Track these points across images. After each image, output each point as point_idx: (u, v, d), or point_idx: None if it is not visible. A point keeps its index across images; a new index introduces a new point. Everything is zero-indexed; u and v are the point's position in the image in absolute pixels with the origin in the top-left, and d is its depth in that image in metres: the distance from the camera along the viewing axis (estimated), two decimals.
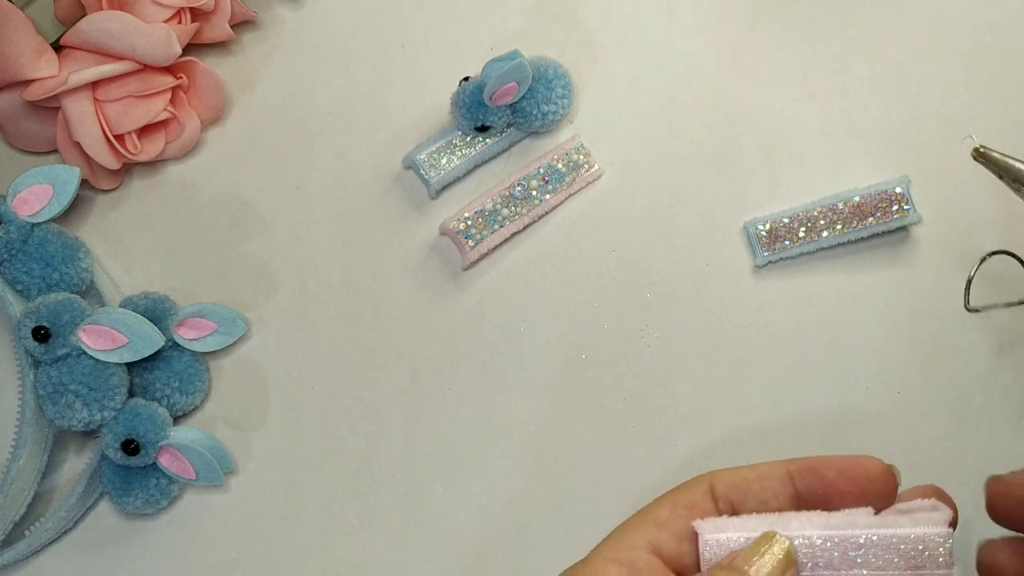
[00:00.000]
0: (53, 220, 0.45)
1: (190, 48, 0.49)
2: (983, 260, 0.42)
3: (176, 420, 0.46)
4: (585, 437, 0.46)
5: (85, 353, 0.43)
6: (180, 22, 0.47)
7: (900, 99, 0.49)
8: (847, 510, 0.30)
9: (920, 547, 0.30)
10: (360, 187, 0.49)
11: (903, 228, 0.47)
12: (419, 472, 0.46)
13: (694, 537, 0.30)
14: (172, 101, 0.48)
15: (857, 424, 0.45)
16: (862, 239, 0.47)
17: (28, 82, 0.46)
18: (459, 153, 0.48)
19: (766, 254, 0.47)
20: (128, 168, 0.50)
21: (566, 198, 0.48)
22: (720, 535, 0.30)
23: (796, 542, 0.30)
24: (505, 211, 0.47)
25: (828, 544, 0.30)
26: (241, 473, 0.46)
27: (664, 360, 0.46)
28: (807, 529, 0.30)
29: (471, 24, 0.51)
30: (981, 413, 0.45)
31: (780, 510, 0.31)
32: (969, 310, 0.41)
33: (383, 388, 0.47)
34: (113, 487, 0.44)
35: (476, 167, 0.49)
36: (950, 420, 0.45)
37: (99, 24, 0.45)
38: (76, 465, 0.46)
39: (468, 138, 0.48)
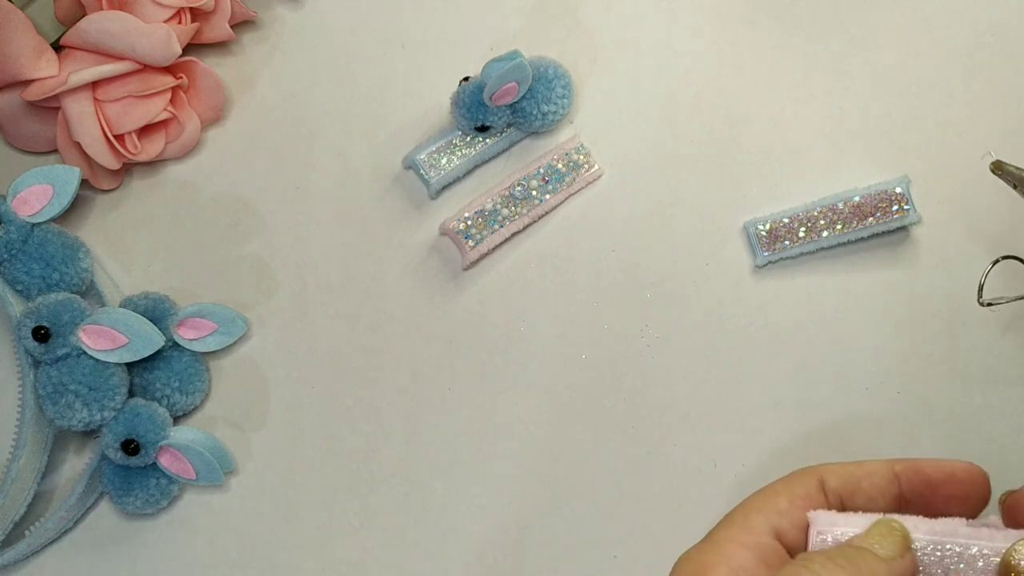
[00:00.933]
0: (53, 220, 0.45)
1: (190, 48, 0.49)
2: (995, 262, 0.43)
3: (176, 420, 0.46)
4: (585, 437, 0.46)
5: (85, 353, 0.43)
6: (180, 22, 0.47)
7: (900, 99, 0.49)
8: (945, 519, 0.31)
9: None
10: (360, 187, 0.49)
11: (903, 228, 0.47)
12: (419, 472, 0.46)
13: (807, 527, 0.31)
14: (172, 101, 0.48)
15: (857, 424, 0.45)
16: (862, 239, 0.47)
17: (28, 82, 0.46)
18: (459, 153, 0.48)
19: (766, 254, 0.47)
20: (128, 168, 0.50)
21: (566, 198, 0.48)
22: (835, 529, 0.30)
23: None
24: (505, 211, 0.47)
25: (930, 548, 0.30)
26: (241, 473, 0.46)
27: (664, 360, 0.46)
28: (912, 532, 0.30)
29: (471, 24, 0.51)
30: (981, 413, 0.45)
31: (886, 508, 0.31)
32: (982, 304, 0.43)
33: (383, 388, 0.47)
34: (113, 487, 0.44)
35: (476, 167, 0.49)
36: (950, 420, 0.45)
37: (99, 24, 0.45)
38: (76, 465, 0.46)
39: (468, 138, 0.48)
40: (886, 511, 0.31)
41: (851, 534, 0.30)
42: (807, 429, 0.45)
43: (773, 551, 0.30)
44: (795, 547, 0.31)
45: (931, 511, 0.31)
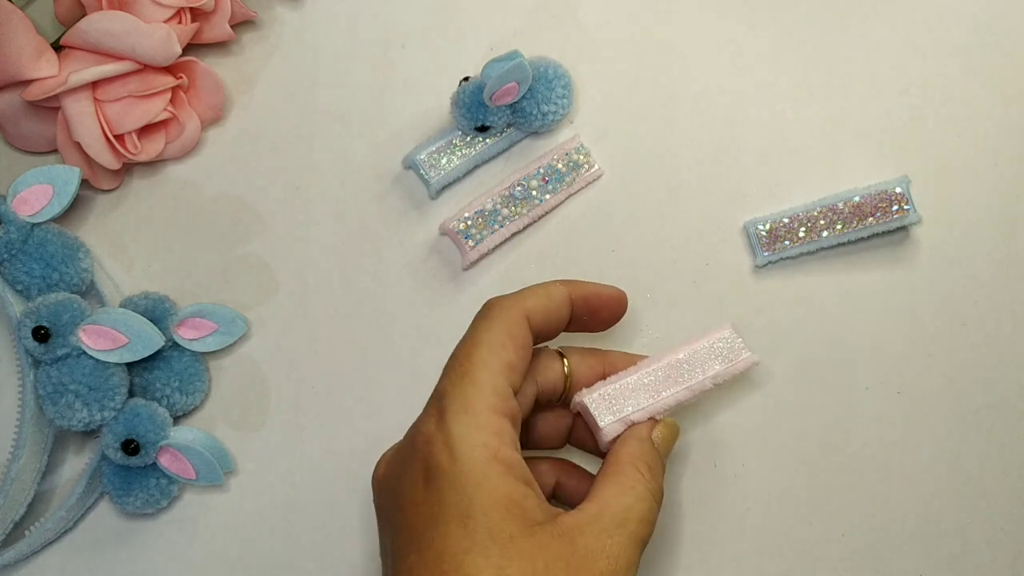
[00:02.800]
0: (53, 220, 0.45)
1: (190, 48, 0.49)
2: None
3: (176, 420, 0.46)
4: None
5: (85, 353, 0.43)
6: (180, 22, 0.47)
7: (900, 99, 0.49)
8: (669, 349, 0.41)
9: (723, 345, 0.41)
10: (360, 187, 0.49)
11: (903, 228, 0.47)
12: None
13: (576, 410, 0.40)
14: (172, 101, 0.48)
15: (857, 424, 0.45)
16: (862, 239, 0.47)
17: (28, 82, 0.46)
18: (459, 153, 0.48)
19: (766, 254, 0.47)
20: (128, 168, 0.50)
21: (566, 198, 0.48)
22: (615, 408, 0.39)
23: (652, 374, 0.40)
24: (505, 211, 0.47)
25: (673, 368, 0.40)
26: (241, 473, 0.46)
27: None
28: (653, 364, 0.40)
29: (471, 24, 0.51)
30: (981, 414, 0.45)
31: (562, 327, 0.40)
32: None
33: (383, 388, 0.47)
34: (113, 487, 0.44)
35: (476, 167, 0.49)
36: (950, 420, 0.45)
37: (99, 24, 0.45)
38: (76, 465, 0.46)
39: (468, 138, 0.48)
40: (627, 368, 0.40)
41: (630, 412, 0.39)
42: (807, 429, 0.45)
43: (515, 422, 0.36)
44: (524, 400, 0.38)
45: (589, 325, 0.41)
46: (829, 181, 0.48)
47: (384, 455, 0.38)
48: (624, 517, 0.34)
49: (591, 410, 0.39)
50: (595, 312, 0.40)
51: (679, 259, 0.48)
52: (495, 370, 0.36)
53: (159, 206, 0.49)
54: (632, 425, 0.39)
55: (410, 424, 0.44)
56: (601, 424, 0.39)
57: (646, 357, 0.41)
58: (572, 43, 0.51)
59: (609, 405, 0.39)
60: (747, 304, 0.47)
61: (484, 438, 0.34)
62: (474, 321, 0.38)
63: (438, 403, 0.35)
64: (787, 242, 0.47)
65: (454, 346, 0.47)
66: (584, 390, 0.40)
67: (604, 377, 0.40)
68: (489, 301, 0.38)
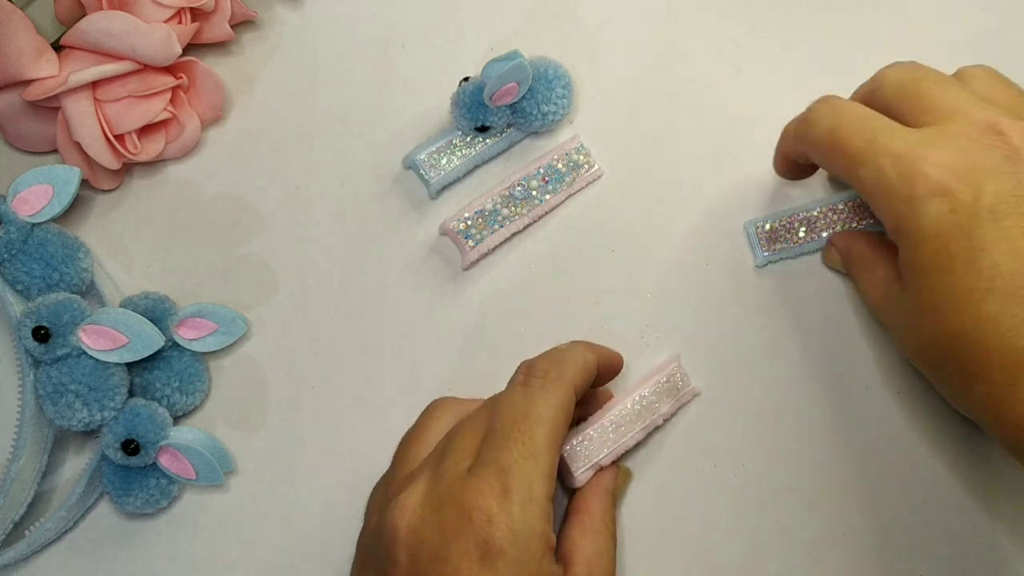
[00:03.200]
0: (53, 220, 0.45)
1: (190, 48, 0.49)
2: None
3: (176, 420, 0.46)
4: None
5: (85, 353, 0.43)
6: (180, 22, 0.47)
7: None
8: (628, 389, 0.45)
9: (671, 378, 0.45)
10: (360, 187, 0.49)
11: None
12: None
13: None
14: (172, 101, 0.48)
15: (857, 424, 0.45)
16: None
17: (28, 82, 0.46)
18: (459, 153, 0.48)
19: (766, 254, 0.47)
20: (128, 168, 0.50)
21: (566, 198, 0.48)
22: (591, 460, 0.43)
23: (617, 417, 0.43)
24: (505, 211, 0.47)
25: (634, 409, 0.44)
26: (241, 473, 0.46)
27: (663, 360, 0.46)
28: (617, 407, 0.43)
29: (471, 24, 0.51)
30: None
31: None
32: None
33: (383, 388, 0.47)
34: (113, 487, 0.44)
35: (476, 167, 0.49)
36: (950, 420, 0.45)
37: (99, 24, 0.45)
38: (76, 465, 0.46)
39: (468, 138, 0.48)
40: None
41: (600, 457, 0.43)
42: (807, 429, 0.45)
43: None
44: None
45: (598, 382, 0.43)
46: (829, 181, 0.48)
47: (404, 502, 0.36)
48: (599, 573, 0.38)
49: (566, 460, 0.42)
50: (603, 378, 0.43)
51: (679, 259, 0.48)
52: (553, 454, 0.37)
53: (159, 206, 0.49)
54: (599, 471, 0.43)
55: (411, 425, 0.44)
56: (575, 473, 0.42)
57: (609, 396, 0.45)
58: (572, 43, 0.51)
59: (581, 455, 0.42)
60: (747, 304, 0.47)
61: (542, 527, 0.35)
62: (528, 392, 0.38)
63: (502, 478, 0.35)
64: (787, 242, 0.47)
65: (454, 346, 0.47)
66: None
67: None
68: (538, 367, 0.39)
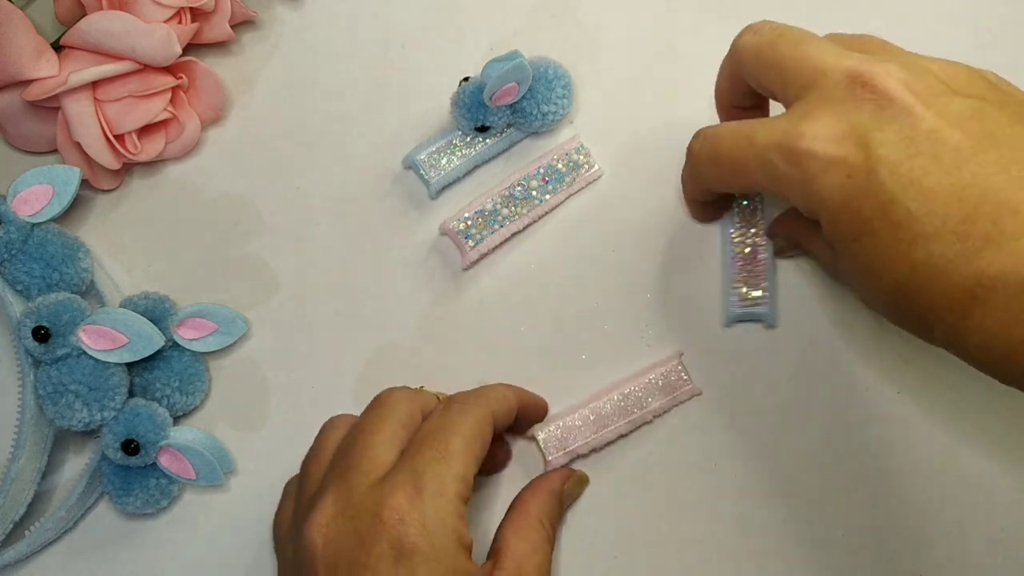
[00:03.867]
0: (53, 220, 0.45)
1: (190, 48, 0.49)
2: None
3: (176, 420, 0.46)
4: None
5: (85, 353, 0.43)
6: (180, 22, 0.47)
7: None
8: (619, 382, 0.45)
9: (667, 377, 0.45)
10: (360, 187, 0.49)
11: None
12: None
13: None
14: (172, 101, 0.48)
15: (857, 424, 0.45)
16: None
17: (28, 82, 0.46)
18: (459, 153, 0.48)
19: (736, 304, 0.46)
20: (128, 168, 0.50)
21: (566, 198, 0.48)
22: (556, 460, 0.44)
23: (600, 408, 0.44)
24: (505, 211, 0.47)
25: (619, 401, 0.44)
26: (241, 473, 0.46)
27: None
28: (602, 398, 0.44)
29: (471, 24, 0.51)
30: (980, 414, 0.45)
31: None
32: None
33: (383, 388, 0.47)
34: (113, 487, 0.44)
35: (476, 167, 0.49)
36: (950, 420, 0.45)
37: (99, 24, 0.45)
38: (76, 465, 0.46)
39: (468, 138, 0.48)
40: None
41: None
42: (807, 429, 0.45)
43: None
44: None
45: (514, 427, 0.44)
46: None
47: (316, 520, 0.36)
48: (530, 570, 0.39)
49: (541, 446, 0.44)
50: (526, 418, 0.44)
51: (679, 259, 0.48)
52: (467, 460, 0.37)
53: (159, 206, 0.49)
54: (557, 467, 0.44)
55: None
56: (549, 458, 0.44)
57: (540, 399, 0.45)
58: (572, 43, 0.51)
59: (557, 442, 0.44)
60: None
61: (454, 523, 0.36)
62: (446, 413, 0.39)
63: (413, 480, 0.35)
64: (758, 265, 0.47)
65: (454, 346, 0.47)
66: (536, 426, 0.44)
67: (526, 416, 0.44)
68: (458, 397, 0.40)
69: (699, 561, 0.44)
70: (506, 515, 0.42)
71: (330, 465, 0.38)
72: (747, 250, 0.45)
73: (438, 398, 0.41)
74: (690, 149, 0.42)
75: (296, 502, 0.39)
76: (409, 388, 0.41)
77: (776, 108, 0.41)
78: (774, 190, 0.37)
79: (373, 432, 0.38)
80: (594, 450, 0.44)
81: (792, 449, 0.45)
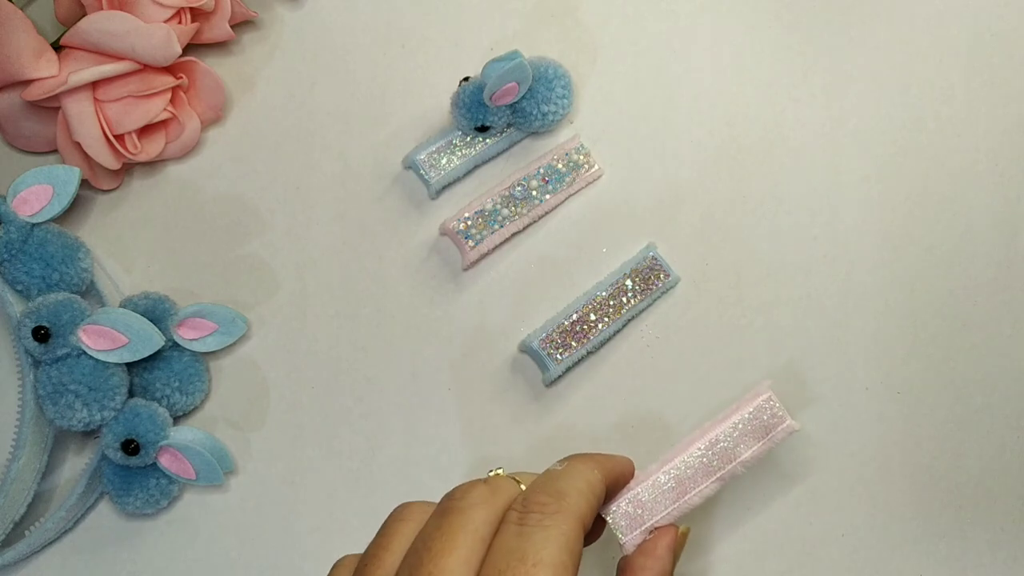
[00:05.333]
0: (53, 220, 0.45)
1: (190, 48, 0.49)
2: None
3: (176, 420, 0.46)
4: (585, 437, 0.46)
5: (85, 353, 0.43)
6: (180, 22, 0.47)
7: (900, 99, 0.49)
8: (699, 429, 0.37)
9: (761, 416, 0.37)
10: (360, 187, 0.49)
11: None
12: (419, 472, 0.46)
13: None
14: (172, 101, 0.48)
15: (857, 424, 0.45)
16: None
17: (28, 82, 0.46)
18: (459, 153, 0.48)
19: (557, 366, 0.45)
20: (128, 168, 0.50)
21: (566, 198, 0.48)
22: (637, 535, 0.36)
23: (678, 468, 0.36)
24: (505, 211, 0.47)
25: (702, 456, 0.37)
26: (241, 473, 0.46)
27: (664, 360, 0.46)
28: (679, 456, 0.37)
29: (471, 24, 0.51)
30: (981, 413, 0.45)
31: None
32: None
33: (383, 388, 0.47)
34: (113, 487, 0.44)
35: (476, 167, 0.49)
36: (950, 420, 0.45)
37: (99, 24, 0.45)
38: (76, 465, 0.46)
39: (468, 138, 0.48)
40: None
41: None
42: (807, 429, 0.45)
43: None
44: None
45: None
46: (829, 181, 0.48)
47: None
48: None
49: (611, 526, 0.36)
50: (614, 491, 0.37)
51: (679, 259, 0.48)
52: None
53: (159, 206, 0.49)
54: (654, 531, 0.36)
55: (409, 425, 0.44)
56: (623, 541, 0.36)
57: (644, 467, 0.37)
58: (572, 43, 0.51)
59: (631, 520, 0.36)
60: (747, 304, 0.47)
61: None
62: (524, 532, 0.31)
63: None
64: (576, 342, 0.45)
65: (454, 346, 0.47)
66: (604, 506, 0.36)
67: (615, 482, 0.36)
68: (537, 500, 0.32)
69: (699, 561, 0.44)
70: None
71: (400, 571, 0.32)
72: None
73: (517, 482, 0.34)
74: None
75: None
76: (483, 484, 0.33)
77: None
78: None
79: (443, 553, 0.31)
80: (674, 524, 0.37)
81: (791, 449, 0.45)
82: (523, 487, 0.34)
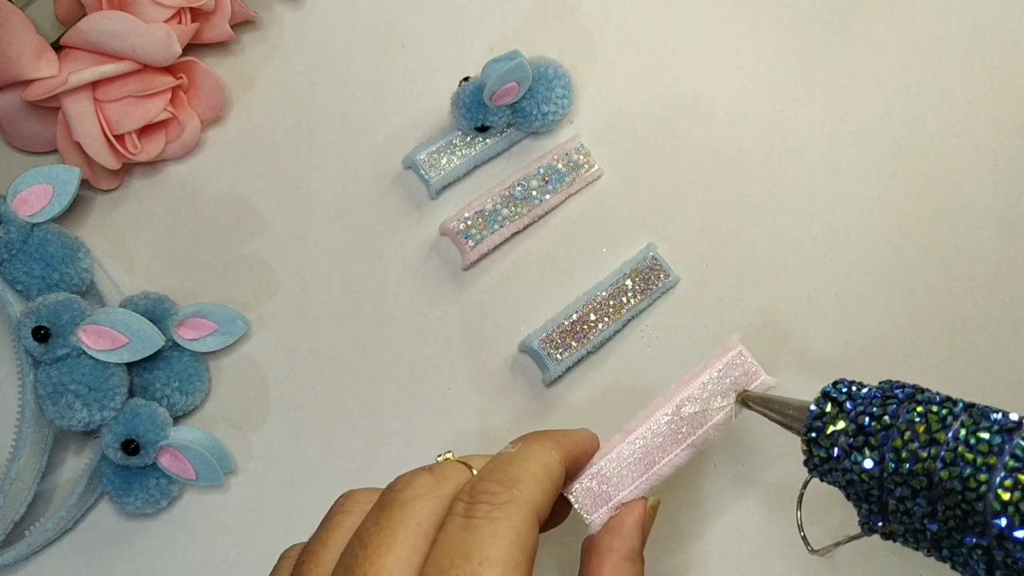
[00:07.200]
0: (53, 220, 0.46)
1: (190, 48, 0.49)
2: (801, 497, 0.36)
3: (176, 420, 0.46)
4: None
5: (85, 353, 0.43)
6: (180, 22, 0.47)
7: (900, 99, 0.49)
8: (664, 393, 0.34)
9: (732, 373, 0.34)
10: (360, 187, 0.49)
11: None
12: None
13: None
14: (172, 101, 0.48)
15: None
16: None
17: (28, 82, 0.46)
18: (459, 153, 0.48)
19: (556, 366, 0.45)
20: (128, 168, 0.50)
21: (566, 198, 0.48)
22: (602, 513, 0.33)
23: (643, 438, 0.33)
24: (505, 211, 0.47)
25: (669, 421, 0.33)
26: (241, 473, 0.46)
27: (664, 360, 0.46)
28: (642, 426, 0.34)
29: (471, 24, 0.51)
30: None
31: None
32: (814, 553, 0.35)
33: (383, 388, 0.47)
34: (113, 487, 0.44)
35: (476, 167, 0.49)
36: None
37: (99, 24, 0.45)
38: (76, 465, 0.46)
39: (468, 138, 0.48)
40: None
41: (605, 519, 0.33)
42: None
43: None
44: None
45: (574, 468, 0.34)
46: (829, 181, 0.48)
47: None
48: None
49: (574, 505, 0.33)
50: (576, 468, 0.34)
51: (679, 259, 0.48)
52: None
53: (159, 206, 0.49)
54: (621, 507, 0.33)
55: (409, 425, 0.44)
56: (588, 520, 0.33)
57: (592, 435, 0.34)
58: (572, 43, 0.51)
59: (596, 497, 0.33)
60: (747, 304, 0.47)
61: None
62: (470, 526, 0.29)
63: None
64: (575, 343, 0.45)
65: (454, 346, 0.47)
66: (567, 485, 0.33)
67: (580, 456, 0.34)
68: (487, 489, 0.30)
69: (699, 561, 0.44)
70: None
71: (338, 565, 0.30)
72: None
73: (467, 467, 0.32)
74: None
75: None
76: (428, 472, 0.31)
77: None
78: None
79: (381, 551, 0.28)
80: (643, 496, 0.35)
81: (791, 449, 0.45)
82: (475, 472, 0.31)
